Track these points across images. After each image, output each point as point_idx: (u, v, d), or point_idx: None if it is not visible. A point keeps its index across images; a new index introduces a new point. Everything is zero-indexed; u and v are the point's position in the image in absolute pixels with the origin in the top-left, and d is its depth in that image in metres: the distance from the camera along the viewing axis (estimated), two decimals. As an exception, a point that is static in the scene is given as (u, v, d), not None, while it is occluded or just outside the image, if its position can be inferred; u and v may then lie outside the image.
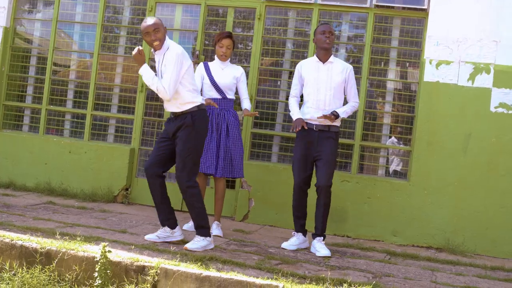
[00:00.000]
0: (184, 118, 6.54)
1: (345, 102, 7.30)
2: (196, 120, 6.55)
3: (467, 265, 7.03)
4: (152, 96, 9.00)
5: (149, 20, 6.50)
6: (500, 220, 7.71)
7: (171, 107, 6.61)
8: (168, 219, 6.71)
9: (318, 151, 7.01)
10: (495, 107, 7.78)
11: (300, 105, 7.35)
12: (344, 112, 7.10)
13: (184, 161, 6.52)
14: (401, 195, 7.98)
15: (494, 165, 7.75)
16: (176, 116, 6.59)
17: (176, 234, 6.72)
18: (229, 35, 7.64)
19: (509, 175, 7.71)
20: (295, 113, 7.20)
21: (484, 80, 7.81)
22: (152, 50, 6.66)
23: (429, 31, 8.01)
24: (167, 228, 6.71)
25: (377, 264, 6.64)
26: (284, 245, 7.07)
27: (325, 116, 6.94)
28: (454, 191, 7.83)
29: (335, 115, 6.97)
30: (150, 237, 6.70)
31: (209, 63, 7.71)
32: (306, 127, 7.02)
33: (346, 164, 8.31)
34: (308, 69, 7.21)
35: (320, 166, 6.99)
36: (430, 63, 7.96)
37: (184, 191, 6.55)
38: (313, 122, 7.07)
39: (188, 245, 6.42)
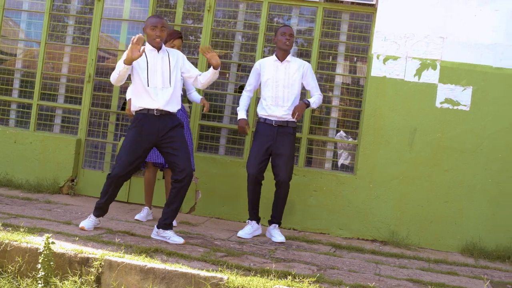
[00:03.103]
0: (176, 119, 6.79)
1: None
2: None
3: (411, 258, 7.13)
4: (99, 87, 8.93)
5: (159, 17, 6.81)
6: (443, 214, 7.83)
7: (171, 106, 6.71)
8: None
9: (277, 147, 7.29)
10: (441, 103, 7.89)
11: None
12: (313, 102, 7.45)
13: (189, 152, 6.77)
14: (347, 189, 8.05)
15: (438, 160, 7.86)
16: (163, 115, 6.67)
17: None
18: (181, 36, 7.69)
19: (453, 170, 7.83)
20: (240, 111, 7.52)
21: (431, 76, 7.91)
22: (144, 46, 6.62)
23: (377, 26, 8.08)
24: (102, 218, 6.91)
25: (322, 257, 6.69)
26: (240, 233, 7.32)
27: (296, 111, 7.23)
28: (399, 185, 7.93)
29: (306, 103, 7.33)
30: (88, 225, 6.74)
31: None
32: (247, 132, 7.44)
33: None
34: (267, 68, 7.44)
35: (280, 162, 7.29)
36: (378, 58, 8.03)
37: (188, 180, 6.71)
38: (272, 118, 7.34)
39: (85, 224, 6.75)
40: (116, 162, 6.70)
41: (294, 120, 7.34)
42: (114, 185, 6.66)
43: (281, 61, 7.39)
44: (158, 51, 6.72)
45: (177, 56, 6.84)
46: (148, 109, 6.62)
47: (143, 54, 6.58)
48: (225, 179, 8.27)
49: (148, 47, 6.71)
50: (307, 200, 8.13)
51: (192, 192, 8.37)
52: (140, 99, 6.67)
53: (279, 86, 7.34)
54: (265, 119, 7.37)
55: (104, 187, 6.71)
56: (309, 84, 7.52)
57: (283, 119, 7.31)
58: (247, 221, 7.50)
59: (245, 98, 7.57)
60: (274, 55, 7.48)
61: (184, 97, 7.80)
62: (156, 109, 6.61)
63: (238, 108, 7.54)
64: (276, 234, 7.29)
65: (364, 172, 8.01)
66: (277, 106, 7.32)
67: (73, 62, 9.17)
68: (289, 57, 7.41)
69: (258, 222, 7.49)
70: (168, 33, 7.62)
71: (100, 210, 6.78)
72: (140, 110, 6.67)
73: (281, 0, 8.48)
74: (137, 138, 6.62)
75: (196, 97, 7.79)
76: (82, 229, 6.61)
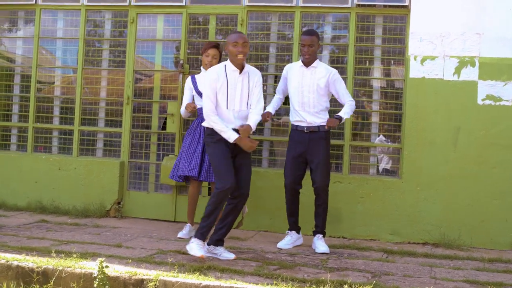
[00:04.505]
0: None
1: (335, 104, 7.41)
2: None
3: (465, 259, 7.05)
4: (138, 108, 8.98)
5: (239, 32, 6.77)
6: (493, 212, 7.72)
7: (237, 121, 6.66)
8: None
9: (311, 153, 7.25)
10: (482, 100, 7.80)
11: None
12: (345, 113, 7.31)
13: (250, 173, 6.83)
14: (394, 193, 7.97)
15: (484, 157, 7.76)
16: (238, 132, 6.62)
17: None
18: (216, 45, 7.76)
19: (500, 167, 7.72)
20: (267, 107, 7.51)
21: (470, 73, 7.83)
22: (223, 68, 6.68)
23: (412, 28, 8.03)
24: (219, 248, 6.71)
25: (375, 263, 6.64)
26: (280, 244, 7.34)
27: (330, 124, 7.20)
28: (447, 185, 7.84)
29: (338, 118, 7.24)
30: (203, 252, 6.52)
31: (196, 75, 7.89)
32: (268, 119, 7.34)
33: (338, 165, 8.28)
34: (293, 73, 7.43)
35: (315, 168, 7.24)
36: (415, 59, 7.97)
37: (242, 199, 6.68)
38: (303, 124, 7.31)
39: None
40: (216, 178, 6.58)
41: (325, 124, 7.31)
42: (221, 200, 6.50)
43: (307, 67, 7.35)
44: (240, 72, 6.64)
45: (257, 76, 6.75)
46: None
47: (224, 75, 6.61)
48: (270, 192, 8.22)
49: (230, 67, 6.64)
50: (354, 207, 8.07)
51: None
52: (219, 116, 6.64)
53: (304, 91, 7.30)
54: (297, 126, 7.36)
55: (212, 206, 6.51)
56: (337, 92, 7.39)
57: (313, 125, 7.27)
58: (286, 231, 7.49)
59: (275, 100, 7.62)
60: (300, 60, 7.46)
61: None
62: (233, 128, 6.58)
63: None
64: (319, 245, 7.20)
65: (410, 175, 7.93)
66: (304, 112, 7.30)
67: (110, 85, 9.25)
68: (315, 63, 7.35)
69: (298, 232, 7.49)
70: (205, 44, 7.81)
71: (207, 233, 6.58)
72: None
73: (313, 9, 8.46)
74: (222, 148, 6.58)
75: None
76: (202, 258, 6.33)
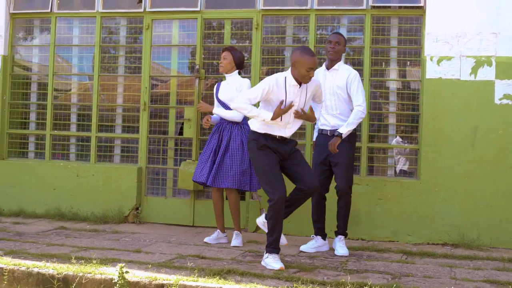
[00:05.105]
0: (293, 141, 6.70)
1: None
2: None
3: (485, 259, 7.01)
4: (155, 114, 9.01)
5: (315, 56, 6.42)
6: (513, 211, 7.70)
7: (287, 132, 6.55)
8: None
9: (334, 155, 7.18)
10: (500, 99, 7.76)
11: None
12: (347, 124, 7.08)
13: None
14: (412, 194, 7.95)
15: (502, 157, 7.72)
16: (284, 139, 6.57)
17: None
18: (226, 48, 7.81)
19: (518, 166, 7.71)
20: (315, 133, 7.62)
21: (487, 73, 7.79)
22: (283, 80, 6.45)
23: (428, 28, 8.00)
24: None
25: (395, 265, 6.61)
26: (303, 247, 7.31)
27: (332, 147, 7.07)
28: (465, 186, 7.80)
29: (338, 136, 7.07)
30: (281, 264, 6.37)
31: (222, 82, 7.90)
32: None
33: (355, 167, 8.22)
34: (318, 78, 7.32)
35: (337, 170, 7.22)
36: (431, 60, 7.95)
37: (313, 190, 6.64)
38: (327, 128, 7.31)
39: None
40: (268, 188, 6.40)
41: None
42: (279, 211, 6.35)
43: (329, 70, 7.31)
44: (299, 86, 6.47)
45: (314, 85, 6.60)
46: (271, 134, 6.51)
47: (283, 88, 6.41)
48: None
49: (290, 81, 6.42)
50: (373, 209, 8.06)
51: (257, 211, 8.36)
52: (268, 127, 6.49)
53: (326, 94, 7.25)
54: (322, 130, 7.33)
55: (272, 219, 6.36)
56: (351, 95, 7.19)
57: (337, 128, 7.18)
58: (312, 235, 7.46)
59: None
60: (324, 64, 7.43)
61: None
62: (281, 137, 6.53)
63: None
64: (339, 247, 7.18)
65: (428, 176, 7.90)
66: (328, 115, 7.27)
67: (126, 91, 9.29)
68: (337, 65, 7.28)
69: (324, 238, 7.42)
70: None
71: (277, 243, 6.46)
72: (263, 132, 6.52)
73: (328, 11, 8.45)
74: (270, 155, 6.48)
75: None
76: (282, 269, 6.18)
